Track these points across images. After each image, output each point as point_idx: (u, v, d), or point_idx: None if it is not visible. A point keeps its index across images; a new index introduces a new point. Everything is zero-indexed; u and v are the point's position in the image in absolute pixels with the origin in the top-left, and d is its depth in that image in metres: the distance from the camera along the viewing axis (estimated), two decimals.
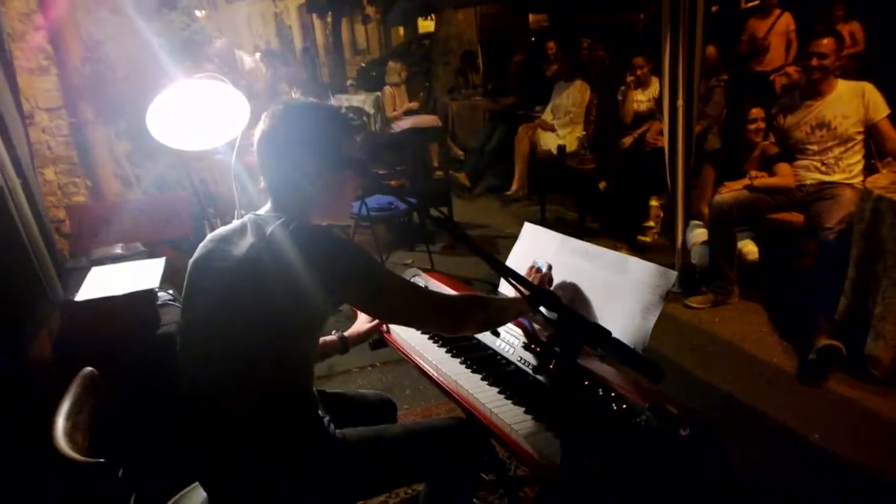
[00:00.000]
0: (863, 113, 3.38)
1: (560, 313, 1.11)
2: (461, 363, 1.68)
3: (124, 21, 3.67)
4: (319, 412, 1.50)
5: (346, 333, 1.88)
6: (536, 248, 1.90)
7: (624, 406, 1.32)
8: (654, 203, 4.56)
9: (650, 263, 1.58)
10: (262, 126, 1.42)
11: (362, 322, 1.90)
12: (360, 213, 4.06)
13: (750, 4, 8.21)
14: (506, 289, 1.96)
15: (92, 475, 1.23)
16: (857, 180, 3.40)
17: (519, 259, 1.94)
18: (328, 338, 1.81)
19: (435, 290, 1.89)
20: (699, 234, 3.78)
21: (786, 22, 6.02)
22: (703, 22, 3.36)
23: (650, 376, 0.96)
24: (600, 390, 1.37)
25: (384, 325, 1.90)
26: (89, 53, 3.72)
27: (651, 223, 4.60)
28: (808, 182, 3.50)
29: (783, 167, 3.53)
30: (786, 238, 3.58)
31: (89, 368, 1.51)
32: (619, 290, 1.61)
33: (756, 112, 3.69)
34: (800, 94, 3.59)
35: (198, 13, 4.72)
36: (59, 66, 3.65)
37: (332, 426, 1.47)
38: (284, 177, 1.41)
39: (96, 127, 3.81)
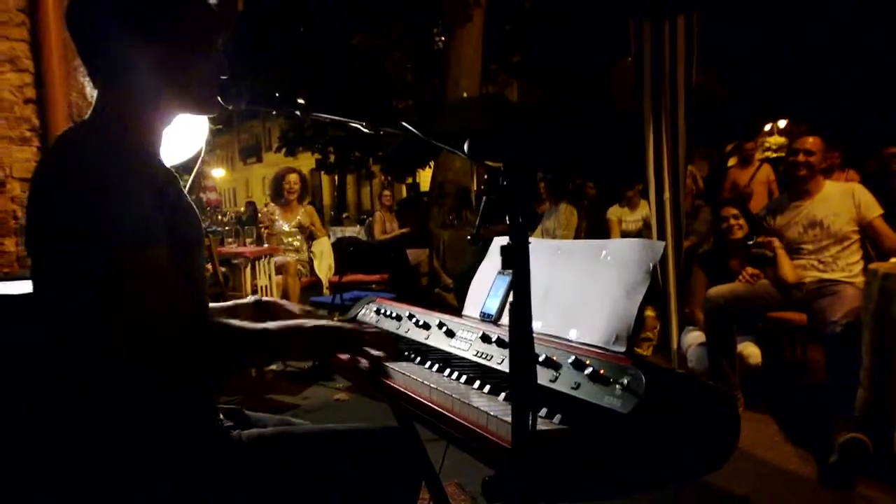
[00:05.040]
0: (855, 212, 3.28)
1: None
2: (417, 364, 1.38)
3: None
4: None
5: (267, 299, 1.49)
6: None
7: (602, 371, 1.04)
8: (649, 314, 4.35)
9: (633, 239, 1.36)
10: None
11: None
12: (334, 302, 3.84)
13: (731, 161, 8.53)
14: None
15: None
16: (859, 280, 3.21)
17: (487, 274, 1.70)
18: (242, 301, 1.48)
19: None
20: (695, 336, 3.52)
21: (766, 172, 6.17)
22: (684, 114, 3.40)
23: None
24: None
25: None
26: None
27: (649, 334, 4.35)
28: (808, 280, 3.30)
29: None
30: (788, 339, 3.32)
31: None
32: (598, 275, 1.36)
33: (726, 210, 3.62)
34: (787, 195, 3.53)
35: (215, 173, 4.89)
36: (43, 139, 3.65)
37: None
38: (107, 52, 1.09)
39: None
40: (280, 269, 4.55)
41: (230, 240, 5.08)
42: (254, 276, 4.33)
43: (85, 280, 0.95)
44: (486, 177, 0.93)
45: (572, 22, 10.18)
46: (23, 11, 3.46)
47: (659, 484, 1.03)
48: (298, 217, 5.03)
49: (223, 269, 4.07)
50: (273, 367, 4.17)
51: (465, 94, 9.05)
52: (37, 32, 3.53)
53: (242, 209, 16.62)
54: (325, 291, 5.03)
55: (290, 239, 4.99)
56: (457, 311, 1.68)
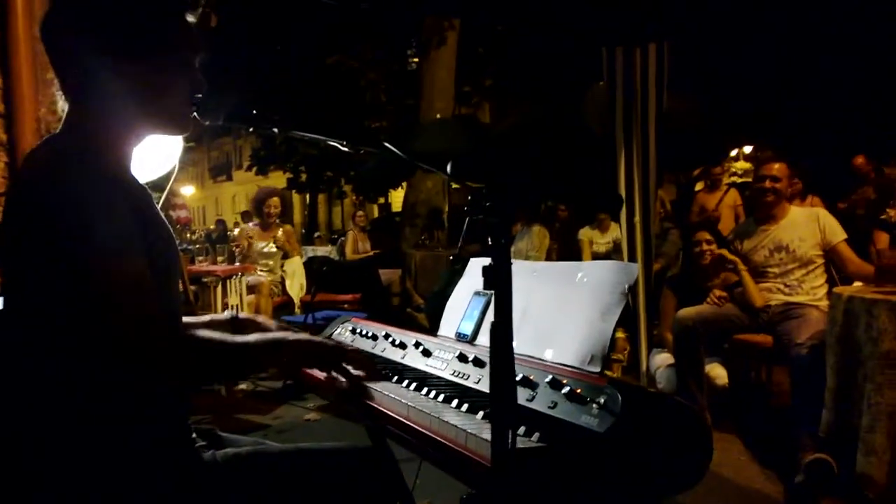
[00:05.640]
0: (819, 237, 3.37)
1: None
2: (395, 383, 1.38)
3: None
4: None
5: (243, 316, 1.47)
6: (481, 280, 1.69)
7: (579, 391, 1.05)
8: (620, 335, 4.40)
9: (608, 261, 1.38)
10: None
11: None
12: (306, 322, 3.81)
13: (699, 186, 8.75)
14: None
15: None
16: (823, 303, 3.30)
17: (463, 294, 1.71)
18: (217, 316, 1.47)
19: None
20: (663, 358, 3.58)
21: (733, 196, 6.35)
22: (654, 138, 3.48)
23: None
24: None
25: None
26: None
27: (619, 356, 4.40)
28: (773, 303, 3.38)
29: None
30: (755, 361, 3.39)
31: None
32: (574, 297, 1.38)
33: (699, 235, 3.70)
34: (753, 220, 3.63)
35: (185, 191, 4.87)
36: (10, 154, 3.56)
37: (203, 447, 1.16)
38: (84, 68, 1.07)
39: None
40: (253, 288, 4.51)
41: (200, 258, 5.02)
42: (224, 295, 4.27)
43: (65, 288, 0.95)
44: (469, 197, 0.94)
45: (545, 45, 10.39)
46: None
47: (635, 502, 1.04)
48: (276, 238, 5.03)
49: (193, 288, 4.01)
50: (243, 386, 4.11)
51: (438, 116, 9.13)
52: (6, 46, 3.45)
53: (213, 227, 16.43)
54: (297, 311, 4.99)
55: (265, 260, 4.98)
56: (429, 331, 1.69)
